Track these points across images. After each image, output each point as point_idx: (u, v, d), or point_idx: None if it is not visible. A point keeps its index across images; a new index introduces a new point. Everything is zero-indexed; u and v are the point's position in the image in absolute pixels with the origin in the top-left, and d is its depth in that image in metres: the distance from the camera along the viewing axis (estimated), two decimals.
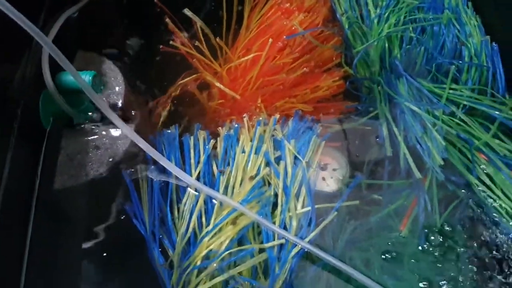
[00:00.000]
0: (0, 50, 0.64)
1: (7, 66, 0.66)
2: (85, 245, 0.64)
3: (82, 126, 0.72)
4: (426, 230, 0.65)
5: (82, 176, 0.68)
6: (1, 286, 0.59)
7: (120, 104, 0.74)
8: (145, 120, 0.74)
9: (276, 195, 0.66)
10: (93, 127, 0.72)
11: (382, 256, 0.63)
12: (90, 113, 0.72)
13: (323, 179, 0.71)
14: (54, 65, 0.67)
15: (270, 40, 0.75)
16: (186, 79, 0.78)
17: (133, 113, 0.74)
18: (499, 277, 0.62)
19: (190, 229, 0.63)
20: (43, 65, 0.66)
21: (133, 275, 0.63)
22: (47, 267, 0.64)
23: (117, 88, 0.75)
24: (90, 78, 0.67)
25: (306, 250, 0.62)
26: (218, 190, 0.65)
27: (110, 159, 0.69)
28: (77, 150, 0.70)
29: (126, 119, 0.72)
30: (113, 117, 0.63)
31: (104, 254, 0.64)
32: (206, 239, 0.61)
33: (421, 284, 0.61)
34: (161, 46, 0.79)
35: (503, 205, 0.67)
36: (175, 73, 0.78)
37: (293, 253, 0.62)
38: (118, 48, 0.81)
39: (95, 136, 0.71)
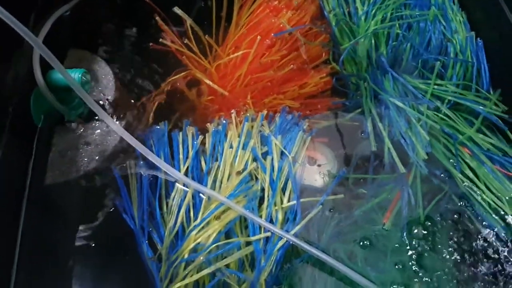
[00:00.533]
0: None
1: None
2: (76, 240, 0.66)
3: (73, 123, 0.73)
4: (409, 224, 0.66)
5: (73, 172, 0.69)
6: None
7: (110, 101, 0.76)
8: (135, 117, 0.75)
9: (262, 189, 0.67)
10: (84, 124, 0.73)
11: (360, 243, 0.64)
12: (80, 110, 0.73)
13: (311, 174, 0.72)
14: (45, 63, 0.68)
15: (259, 37, 0.77)
16: (176, 76, 0.79)
17: (123, 110, 0.75)
18: (482, 269, 0.64)
19: (178, 223, 0.64)
20: (34, 63, 0.67)
21: (123, 268, 0.65)
22: (38, 262, 0.65)
23: (107, 85, 0.76)
24: (79, 75, 0.68)
25: (291, 242, 0.63)
26: (206, 185, 0.67)
27: (100, 155, 0.71)
28: (68, 146, 0.71)
29: (116, 115, 0.74)
30: (102, 114, 0.64)
31: (95, 248, 0.65)
32: (194, 232, 0.62)
33: (404, 276, 0.62)
34: (151, 44, 0.80)
35: (486, 198, 0.68)
36: (165, 70, 0.80)
37: (278, 245, 0.63)
38: (109, 46, 0.82)
39: (86, 133, 0.72)
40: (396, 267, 0.63)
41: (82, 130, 0.73)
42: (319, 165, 0.73)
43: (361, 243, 0.65)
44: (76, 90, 0.62)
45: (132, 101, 0.77)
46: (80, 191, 0.69)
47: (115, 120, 0.73)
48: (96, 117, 0.74)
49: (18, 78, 0.69)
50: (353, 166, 0.73)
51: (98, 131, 0.73)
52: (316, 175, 0.72)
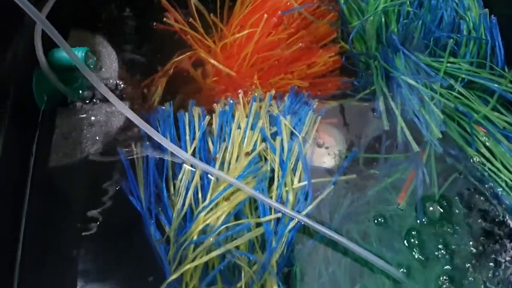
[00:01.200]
0: None
1: None
2: (81, 223, 0.64)
3: (76, 104, 0.71)
4: (424, 203, 0.64)
5: (77, 154, 0.68)
6: None
7: (114, 82, 0.74)
8: (139, 98, 0.73)
9: (272, 170, 0.65)
10: (87, 105, 0.71)
11: (375, 221, 0.63)
12: (83, 91, 0.71)
13: (320, 156, 0.70)
14: (46, 43, 0.66)
15: (265, 16, 0.74)
16: (180, 57, 0.77)
17: (127, 91, 0.73)
18: (499, 248, 0.62)
19: (186, 205, 0.63)
20: (36, 43, 0.66)
21: (130, 251, 0.63)
22: (43, 245, 0.64)
23: (111, 66, 0.74)
24: (83, 54, 0.66)
25: (303, 223, 0.61)
26: (214, 166, 0.65)
27: (105, 137, 0.69)
28: (71, 128, 0.69)
29: (120, 97, 0.72)
30: (107, 93, 0.62)
31: (100, 231, 0.64)
32: (203, 214, 0.60)
33: (418, 256, 0.61)
34: (154, 24, 0.78)
35: (503, 177, 0.66)
36: (169, 51, 0.78)
37: (290, 226, 0.61)
38: (111, 26, 0.80)
39: (89, 114, 0.71)
40: (412, 248, 0.61)
41: (85, 111, 0.71)
42: (327, 147, 0.71)
43: (376, 221, 0.63)
44: (81, 69, 0.60)
45: (136, 81, 0.75)
46: (84, 173, 0.68)
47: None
48: (100, 98, 0.72)
49: (18, 58, 0.67)
50: (364, 147, 0.71)
51: (102, 112, 0.71)
52: (325, 157, 0.70)
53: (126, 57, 0.77)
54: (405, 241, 0.62)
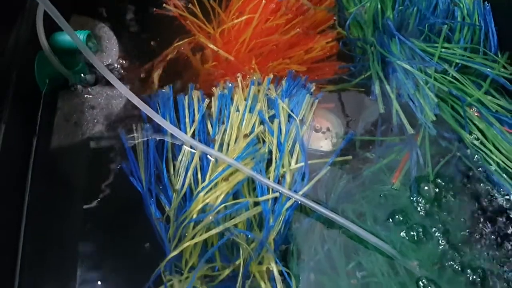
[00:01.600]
0: None
1: (1, 28, 0.66)
2: (83, 203, 0.65)
3: (78, 87, 0.73)
4: (418, 183, 0.66)
5: (78, 135, 0.69)
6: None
7: (114, 67, 0.75)
8: (140, 82, 0.74)
9: (270, 152, 0.67)
10: (88, 88, 0.72)
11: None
12: (85, 74, 0.73)
13: (317, 140, 0.72)
14: (48, 27, 0.67)
15: (263, 1, 0.76)
16: (180, 42, 0.78)
17: (127, 75, 0.74)
18: (491, 227, 0.64)
19: (186, 185, 0.64)
20: (37, 26, 0.66)
21: (131, 231, 0.64)
22: (45, 226, 0.65)
23: (111, 51, 0.76)
24: (85, 37, 0.67)
25: (299, 203, 0.63)
26: (213, 148, 0.66)
27: (106, 119, 0.70)
28: (72, 110, 0.71)
29: (120, 80, 0.73)
30: (108, 75, 0.63)
31: (101, 211, 0.65)
32: (202, 194, 0.62)
33: (411, 235, 0.62)
34: (154, 9, 0.79)
35: (495, 158, 0.68)
36: (168, 36, 0.79)
37: (287, 205, 0.63)
38: (112, 12, 0.81)
39: (90, 96, 0.72)
40: (405, 226, 0.63)
41: (86, 94, 0.72)
42: (323, 132, 0.72)
43: (370, 203, 0.65)
44: (83, 51, 0.61)
45: (136, 66, 0.76)
46: (86, 154, 0.69)
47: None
48: (101, 81, 0.73)
49: (21, 42, 0.68)
50: (360, 131, 0.73)
51: (103, 95, 0.72)
52: (321, 141, 0.72)
53: (126, 42, 0.78)
54: (398, 220, 0.63)
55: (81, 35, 0.68)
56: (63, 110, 0.71)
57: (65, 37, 0.67)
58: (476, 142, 0.69)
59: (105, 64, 0.74)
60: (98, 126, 0.70)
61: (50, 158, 0.69)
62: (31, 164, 0.67)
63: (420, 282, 0.59)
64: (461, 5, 0.80)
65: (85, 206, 0.65)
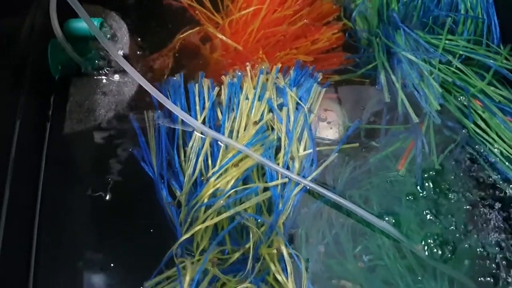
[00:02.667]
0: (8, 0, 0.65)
1: (15, 16, 0.67)
2: (95, 188, 0.66)
3: (90, 73, 0.74)
4: (423, 170, 0.68)
5: (91, 121, 0.70)
6: (15, 228, 0.61)
7: (125, 54, 0.76)
8: (150, 71, 0.75)
9: (279, 139, 0.68)
10: (100, 74, 0.74)
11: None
12: (97, 61, 0.74)
13: (322, 130, 0.73)
14: (61, 14, 0.68)
15: None
16: (189, 32, 0.79)
17: (138, 63, 0.75)
18: (495, 214, 0.65)
19: (197, 170, 0.65)
20: (51, 13, 0.67)
21: (143, 215, 0.66)
22: (59, 210, 0.66)
23: (122, 39, 0.77)
24: (98, 24, 0.68)
25: (308, 188, 0.64)
26: (223, 135, 0.68)
27: (118, 105, 0.72)
28: (85, 97, 0.72)
29: None
30: (122, 61, 0.64)
31: (114, 196, 0.66)
32: (213, 179, 0.63)
33: (418, 219, 0.64)
34: None
35: (498, 147, 0.69)
36: (178, 25, 0.80)
37: (296, 191, 0.64)
38: (123, 1, 0.82)
39: (102, 83, 0.73)
40: (411, 211, 0.65)
41: (98, 80, 0.73)
42: (329, 122, 0.74)
43: (377, 189, 0.66)
44: (98, 37, 0.63)
45: (147, 55, 0.77)
46: (98, 140, 0.70)
47: None
48: (113, 68, 0.74)
49: (35, 29, 0.69)
50: (366, 120, 0.74)
51: (115, 82, 0.73)
52: (327, 131, 0.73)
53: (137, 31, 0.79)
54: (404, 204, 0.65)
55: (95, 23, 0.69)
56: (75, 97, 0.72)
57: (79, 24, 0.68)
58: (480, 131, 0.70)
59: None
60: (110, 112, 0.71)
61: (63, 143, 0.70)
62: (45, 149, 0.68)
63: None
64: None
65: (97, 191, 0.66)
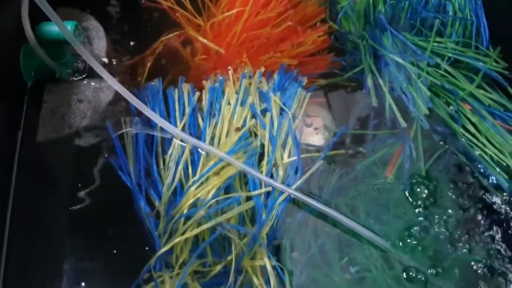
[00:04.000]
0: None
1: None
2: (70, 197, 0.64)
3: (65, 79, 0.71)
4: (411, 177, 0.65)
5: (65, 129, 0.67)
6: None
7: (103, 60, 0.73)
8: (128, 76, 0.73)
9: (262, 145, 0.66)
10: (75, 80, 0.71)
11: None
12: (72, 66, 0.71)
13: (308, 135, 0.71)
14: (33, 18, 0.65)
15: None
16: (170, 35, 0.77)
17: (116, 68, 0.73)
18: (485, 220, 0.63)
19: (177, 179, 0.63)
20: (23, 16, 0.64)
21: (120, 226, 0.63)
22: (32, 221, 0.63)
23: (99, 43, 0.74)
24: (72, 28, 0.66)
25: (292, 197, 0.62)
26: (204, 142, 0.65)
27: (93, 112, 0.69)
28: (59, 103, 0.69)
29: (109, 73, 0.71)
30: (97, 66, 0.62)
31: (89, 206, 0.63)
32: (193, 188, 0.61)
33: (406, 228, 0.62)
34: (143, 1, 0.78)
35: (488, 152, 0.67)
36: (158, 29, 0.77)
37: (279, 200, 0.62)
38: (99, 4, 0.80)
39: (78, 89, 0.70)
40: (399, 219, 0.62)
41: (74, 86, 0.70)
42: (315, 128, 0.71)
43: (364, 198, 0.64)
44: (71, 41, 0.60)
45: (125, 60, 0.74)
46: (73, 148, 0.67)
47: None
48: (89, 74, 0.71)
49: (5, 33, 0.66)
50: (353, 125, 0.72)
51: (91, 87, 0.71)
52: (313, 137, 0.71)
53: (114, 34, 0.77)
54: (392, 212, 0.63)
55: (68, 26, 0.66)
56: (49, 103, 0.69)
57: (52, 28, 0.66)
58: (469, 136, 0.69)
59: (93, 56, 0.73)
60: (85, 120, 0.68)
61: (36, 152, 0.67)
62: (16, 158, 0.65)
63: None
64: (453, 0, 0.79)
65: (72, 202, 0.63)
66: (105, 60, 0.74)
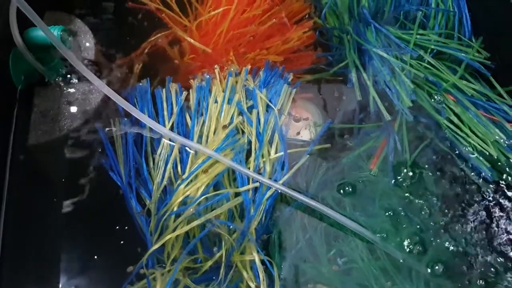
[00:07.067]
0: None
1: None
2: (62, 199, 0.65)
3: (54, 83, 0.72)
4: (396, 169, 0.67)
5: (56, 132, 0.68)
6: None
7: (91, 62, 0.74)
8: (117, 77, 0.74)
9: (249, 142, 0.67)
10: (65, 83, 0.72)
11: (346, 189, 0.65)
12: (61, 70, 0.72)
13: (296, 130, 0.72)
14: (22, 23, 0.66)
15: None
16: (157, 36, 0.78)
17: (104, 70, 0.74)
18: (470, 210, 0.65)
19: (166, 178, 0.64)
20: (11, 22, 0.65)
21: (112, 225, 0.64)
22: (25, 223, 0.64)
23: (87, 45, 0.75)
24: (59, 32, 0.67)
25: (280, 192, 0.63)
26: (192, 140, 0.66)
27: (83, 114, 0.70)
28: (49, 106, 0.70)
29: (97, 76, 0.72)
30: (84, 70, 0.63)
31: (82, 207, 0.65)
32: (182, 186, 0.62)
33: (392, 219, 0.63)
34: (129, 3, 0.79)
35: (472, 142, 0.69)
36: (145, 30, 0.79)
37: (267, 195, 0.63)
38: (86, 6, 0.80)
39: (67, 92, 0.71)
40: (385, 212, 0.64)
41: (63, 89, 0.71)
42: (303, 121, 0.73)
43: (346, 189, 0.65)
44: (57, 46, 0.61)
45: (113, 62, 0.75)
46: (64, 151, 0.68)
47: None
48: (77, 76, 0.72)
49: None
50: (339, 119, 0.73)
51: (80, 90, 0.72)
52: (301, 131, 0.72)
53: (102, 37, 0.78)
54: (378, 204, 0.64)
55: (55, 31, 0.67)
56: (40, 107, 0.70)
57: (39, 33, 0.67)
58: (453, 126, 0.70)
59: (81, 59, 0.74)
60: (76, 122, 0.69)
61: (28, 155, 0.68)
62: (8, 162, 0.66)
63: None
64: None
65: (64, 203, 0.65)
66: (94, 62, 0.74)
